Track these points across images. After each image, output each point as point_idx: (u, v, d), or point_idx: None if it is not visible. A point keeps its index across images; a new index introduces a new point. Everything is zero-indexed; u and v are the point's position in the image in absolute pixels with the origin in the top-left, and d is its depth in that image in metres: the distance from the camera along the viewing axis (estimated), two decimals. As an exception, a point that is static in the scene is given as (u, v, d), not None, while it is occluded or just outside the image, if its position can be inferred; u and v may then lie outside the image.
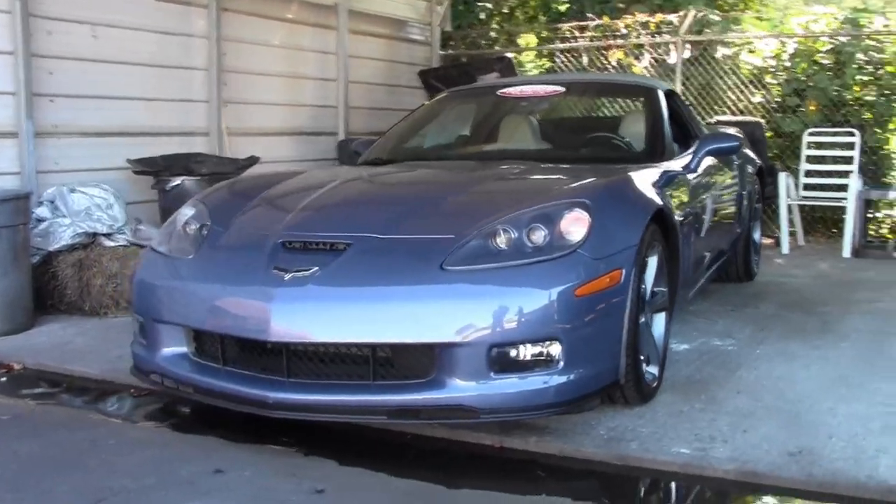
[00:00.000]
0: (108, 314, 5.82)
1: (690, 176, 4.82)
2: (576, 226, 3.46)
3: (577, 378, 3.34)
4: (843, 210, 8.16)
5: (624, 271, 3.51)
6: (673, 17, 10.22)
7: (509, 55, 9.62)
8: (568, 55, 10.72)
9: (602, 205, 3.60)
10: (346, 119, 9.06)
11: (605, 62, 10.42)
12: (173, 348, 3.76)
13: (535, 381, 3.29)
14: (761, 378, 4.23)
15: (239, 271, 3.61)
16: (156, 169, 6.59)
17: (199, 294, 3.65)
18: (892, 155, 9.89)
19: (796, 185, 8.71)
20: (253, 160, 7.05)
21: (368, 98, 9.54)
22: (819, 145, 9.02)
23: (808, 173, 8.85)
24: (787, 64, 10.33)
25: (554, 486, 3.22)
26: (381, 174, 4.75)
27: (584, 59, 10.56)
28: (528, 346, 3.28)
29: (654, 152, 4.82)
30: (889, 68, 10.01)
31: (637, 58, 10.26)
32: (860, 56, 10.01)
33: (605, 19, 10.50)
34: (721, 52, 10.19)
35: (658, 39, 10.11)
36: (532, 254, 3.38)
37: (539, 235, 3.44)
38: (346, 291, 3.37)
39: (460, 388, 3.26)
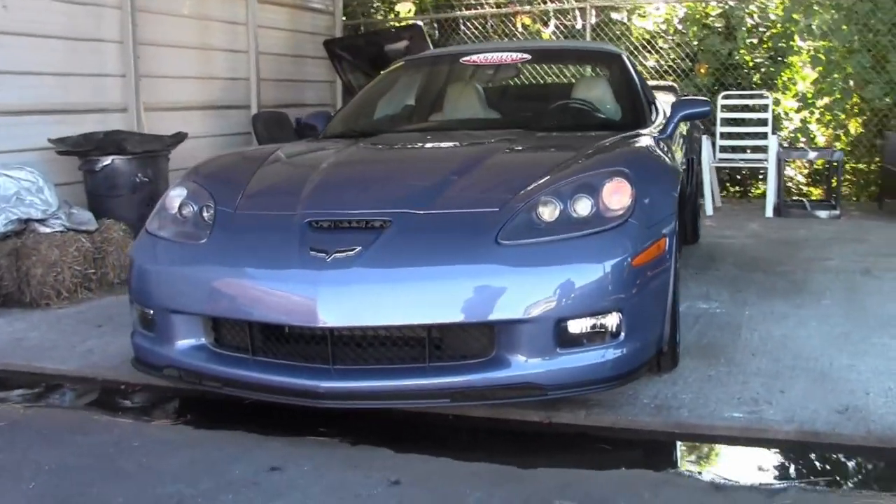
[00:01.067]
0: (51, 305, 5.40)
1: (669, 142, 4.84)
2: (619, 195, 3.39)
3: (635, 349, 3.30)
4: (758, 171, 8.42)
5: (668, 239, 3.49)
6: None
7: (420, 23, 9.43)
8: (474, 23, 10.61)
9: (640, 173, 3.55)
10: (258, 92, 8.69)
11: (512, 28, 10.39)
12: (190, 340, 3.52)
13: (597, 355, 3.23)
14: (766, 339, 4.31)
15: (269, 255, 3.38)
16: (84, 149, 6.13)
17: (223, 281, 3.40)
18: (783, 115, 10.30)
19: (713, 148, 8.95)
20: (180, 136, 6.68)
21: (276, 70, 9.20)
22: (732, 108, 9.28)
23: (724, 136, 9.09)
24: (679, 27, 10.61)
25: (625, 459, 3.17)
26: (378, 147, 4.56)
27: (489, 26, 10.51)
28: (592, 318, 3.21)
29: (637, 119, 4.80)
30: (774, 30, 10.42)
31: (545, 23, 10.28)
32: (748, 20, 10.39)
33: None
34: (614, 16, 10.33)
35: (566, 5, 10.14)
36: (583, 225, 3.30)
37: (584, 205, 3.35)
38: (397, 272, 3.20)
39: (526, 366, 3.16)
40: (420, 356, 3.23)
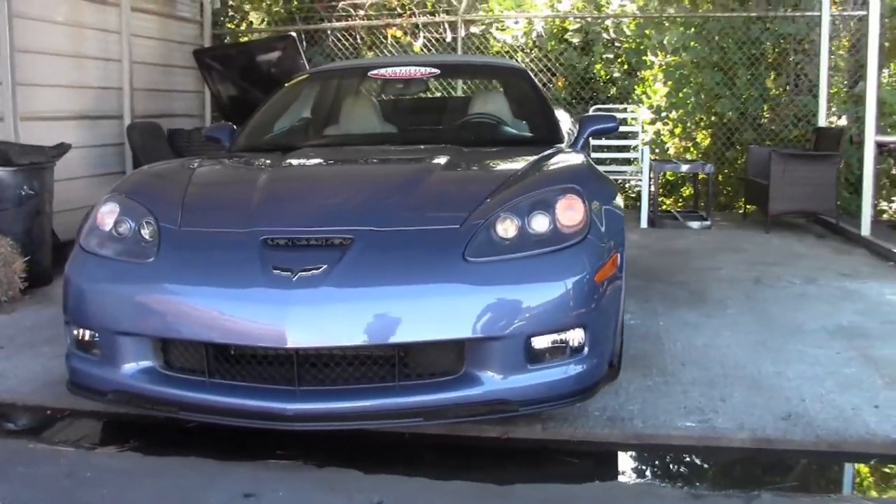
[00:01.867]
0: (-63, 327, 5.02)
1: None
2: (571, 211, 3.45)
3: (596, 363, 3.38)
4: (624, 183, 8.74)
5: (619, 254, 3.59)
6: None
7: (293, 34, 9.27)
8: (343, 34, 10.55)
9: (588, 189, 3.63)
10: (131, 102, 8.33)
11: (383, 41, 10.40)
12: (138, 362, 3.35)
13: (564, 370, 3.28)
14: (689, 348, 4.49)
15: (228, 274, 3.26)
16: (-35, 159, 5.72)
17: (177, 301, 3.26)
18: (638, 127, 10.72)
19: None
20: (64, 147, 6.30)
21: (147, 79, 8.82)
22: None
23: (594, 149, 9.39)
24: (536, 42, 10.92)
25: (594, 471, 3.25)
26: (313, 163, 4.47)
27: (359, 39, 10.47)
28: (560, 334, 3.27)
29: (552, 135, 4.91)
30: (626, 45, 10.89)
31: (414, 36, 10.34)
32: (605, 35, 10.81)
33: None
34: (472, 30, 10.50)
35: (438, 19, 10.23)
36: (543, 241, 3.34)
37: (541, 222, 3.40)
38: (367, 291, 3.16)
39: (497, 383, 3.18)
40: (389, 375, 3.20)
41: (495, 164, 4.26)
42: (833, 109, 9.77)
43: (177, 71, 9.54)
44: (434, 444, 3.45)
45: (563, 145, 4.72)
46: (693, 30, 10.49)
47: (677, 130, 10.81)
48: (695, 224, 8.56)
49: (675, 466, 3.36)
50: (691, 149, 10.84)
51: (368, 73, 5.46)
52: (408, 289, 3.16)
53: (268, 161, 4.29)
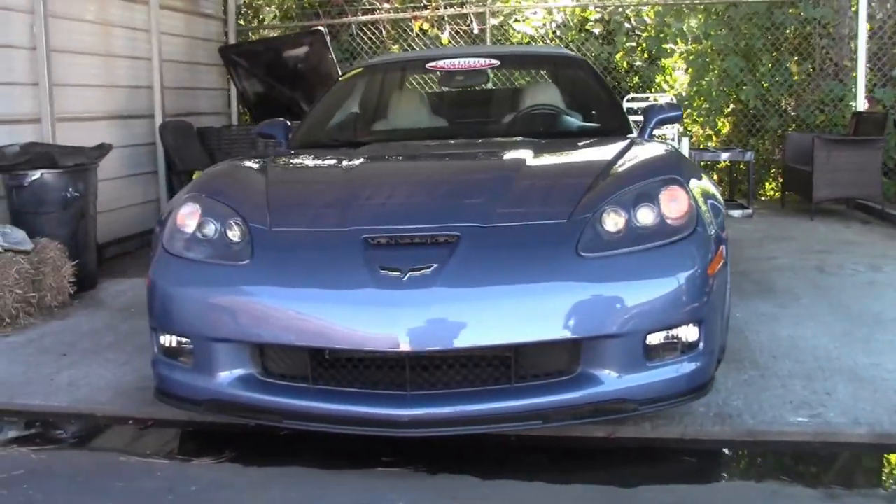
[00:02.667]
0: (-11, 333, 4.89)
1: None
2: (676, 202, 3.34)
3: (709, 360, 3.27)
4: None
5: (724, 245, 3.47)
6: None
7: (321, 28, 9.12)
8: (365, 28, 10.39)
9: (688, 179, 3.52)
10: (162, 100, 8.17)
11: (409, 33, 10.24)
12: (236, 370, 3.22)
13: (682, 366, 3.17)
14: (774, 340, 4.38)
15: (332, 275, 3.13)
16: (10, 163, 5.57)
17: (280, 305, 3.12)
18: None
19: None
20: (105, 148, 6.17)
21: (175, 77, 8.64)
22: (634, 112, 9.47)
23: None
24: (557, 32, 10.79)
25: (713, 470, 3.16)
26: (396, 158, 4.35)
27: (384, 32, 10.32)
28: (677, 330, 3.16)
29: (622, 125, 4.78)
30: (647, 33, 10.78)
31: (440, 28, 10.20)
32: (626, 24, 10.70)
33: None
34: (492, 21, 10.35)
35: (467, 10, 10.08)
36: (652, 234, 3.22)
37: (646, 214, 3.28)
38: (480, 291, 3.03)
39: (618, 382, 3.07)
40: (503, 377, 3.08)
41: (580, 155, 4.15)
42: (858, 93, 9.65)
43: (202, 68, 9.37)
44: (540, 446, 3.33)
45: (635, 135, 4.60)
46: (714, 17, 10.38)
47: (700, 120, 10.70)
48: (736, 212, 8.41)
49: (797, 463, 3.24)
50: (713, 136, 10.74)
51: (427, 66, 5.33)
52: (523, 287, 3.04)
53: (343, 157, 4.15)
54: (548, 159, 3.98)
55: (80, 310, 5.44)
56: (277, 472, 3.14)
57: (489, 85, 7.73)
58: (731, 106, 10.54)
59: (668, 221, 3.27)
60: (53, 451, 3.40)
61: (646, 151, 3.95)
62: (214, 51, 9.30)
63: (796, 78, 10.17)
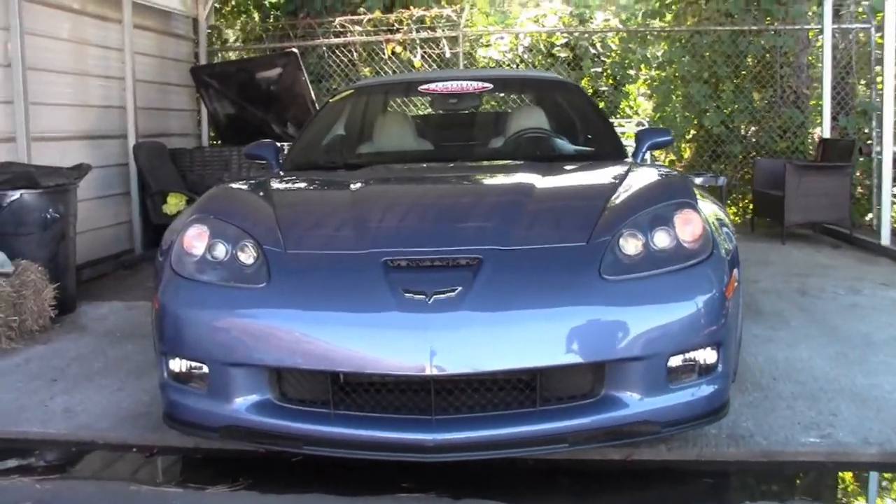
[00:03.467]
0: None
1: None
2: (690, 226, 3.36)
3: (727, 380, 3.29)
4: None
5: (737, 269, 3.50)
6: (448, 12, 10.28)
7: (295, 51, 9.06)
8: (341, 50, 10.36)
9: (698, 203, 3.55)
10: (136, 121, 8.06)
11: (381, 56, 10.24)
12: (253, 395, 3.15)
13: (702, 388, 3.18)
14: (772, 362, 4.43)
15: (355, 298, 3.08)
16: (-11, 182, 5.44)
17: (301, 329, 3.06)
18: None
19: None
20: (84, 168, 6.05)
21: (147, 98, 8.55)
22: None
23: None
24: (525, 56, 10.90)
25: (738, 492, 3.18)
26: (400, 180, 4.34)
27: (355, 54, 10.30)
28: (697, 352, 3.17)
29: (617, 149, 4.82)
30: (612, 59, 10.95)
31: (412, 51, 10.21)
32: (591, 50, 10.84)
33: (377, 14, 10.28)
34: (456, 48, 10.39)
35: (438, 34, 10.12)
36: (670, 257, 3.24)
37: (662, 237, 3.29)
38: (506, 315, 3.01)
39: (642, 404, 3.07)
40: (527, 400, 3.07)
41: (585, 178, 4.17)
42: (819, 121, 9.87)
43: (172, 89, 9.29)
44: (557, 469, 3.31)
45: (630, 159, 4.63)
46: (679, 44, 10.56)
47: (664, 144, 10.83)
48: (708, 237, 8.49)
49: (819, 484, 3.28)
50: (675, 162, 10.89)
51: (418, 88, 5.32)
52: (549, 312, 3.02)
53: (345, 179, 4.13)
54: (555, 182, 3.99)
55: (62, 334, 5.31)
56: (296, 500, 3.09)
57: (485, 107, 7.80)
58: (693, 132, 10.72)
59: (685, 244, 3.29)
60: (58, 480, 3.29)
61: (651, 175, 3.98)
62: (185, 71, 9.22)
63: (758, 105, 10.37)
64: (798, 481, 3.29)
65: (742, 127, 10.38)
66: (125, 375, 4.43)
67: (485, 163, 4.68)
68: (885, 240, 7.42)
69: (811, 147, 9.86)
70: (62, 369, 4.55)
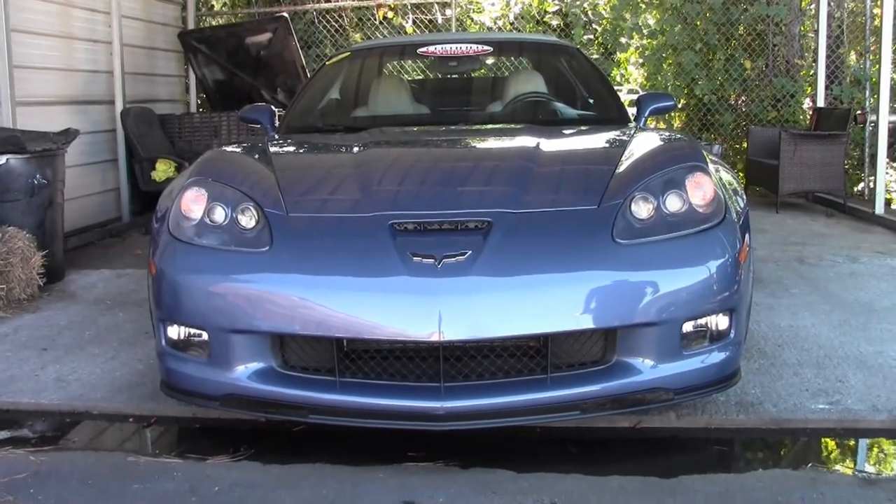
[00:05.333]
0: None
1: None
2: (702, 190, 3.29)
3: (738, 349, 3.24)
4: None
5: (748, 234, 3.43)
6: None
7: (285, 15, 8.88)
8: (330, 14, 10.18)
9: (709, 167, 3.48)
10: (123, 86, 7.88)
11: (373, 21, 10.08)
12: (255, 363, 3.07)
13: (715, 355, 3.13)
14: (776, 330, 4.38)
15: (361, 262, 2.99)
16: (-27, 148, 5.29)
17: (306, 294, 2.97)
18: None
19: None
20: (72, 133, 5.90)
21: (134, 63, 8.36)
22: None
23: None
24: (515, 24, 10.77)
25: (751, 459, 3.14)
26: (403, 142, 4.24)
27: (345, 20, 10.13)
28: (710, 318, 3.12)
29: (620, 114, 4.74)
30: (604, 26, 10.83)
31: (404, 17, 10.06)
32: (583, 17, 10.72)
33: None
34: (448, 12, 10.25)
35: (430, -1, 9.97)
36: (682, 221, 3.16)
37: (674, 201, 3.22)
38: (517, 279, 2.93)
39: (655, 371, 3.02)
40: (538, 367, 3.00)
41: (592, 142, 4.10)
42: (811, 91, 9.82)
43: (159, 54, 9.10)
44: (565, 438, 3.26)
45: (633, 123, 4.55)
46: (670, 12, 10.45)
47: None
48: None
49: (825, 449, 3.23)
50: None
51: (418, 51, 5.20)
52: (561, 276, 2.95)
53: (345, 142, 4.03)
54: (561, 145, 3.92)
55: (51, 303, 5.19)
56: (302, 470, 3.00)
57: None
58: (684, 101, 10.63)
59: (697, 208, 3.22)
60: (54, 452, 3.20)
61: (659, 139, 3.91)
62: (172, 36, 9.05)
63: (749, 74, 10.28)
64: (810, 448, 3.23)
65: (733, 96, 10.31)
66: (118, 344, 4.33)
67: (488, 126, 4.58)
68: (880, 209, 7.39)
69: (801, 117, 9.80)
70: (52, 338, 4.45)
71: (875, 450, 3.24)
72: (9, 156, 5.33)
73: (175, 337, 3.22)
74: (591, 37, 10.95)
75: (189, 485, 2.89)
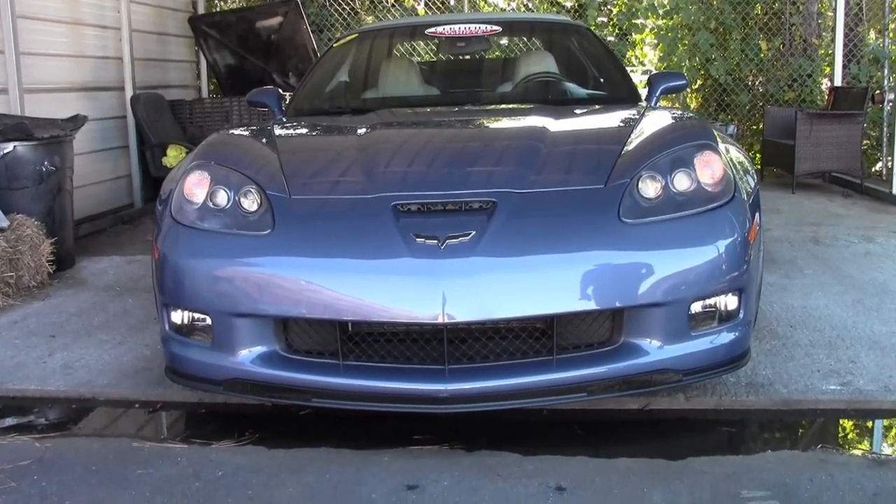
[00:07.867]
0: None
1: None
2: (711, 168, 3.23)
3: (747, 329, 3.19)
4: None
5: (758, 213, 3.38)
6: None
7: (297, -2, 8.86)
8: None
9: (719, 146, 3.42)
10: (133, 72, 7.87)
11: (384, 4, 10.02)
12: (259, 347, 3.05)
13: (722, 336, 3.09)
14: (789, 310, 4.33)
15: (364, 244, 2.95)
16: (-18, 135, 5.29)
17: (309, 276, 2.94)
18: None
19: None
20: (80, 120, 5.89)
21: (144, 48, 8.35)
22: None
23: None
24: (529, 5, 10.69)
25: (762, 440, 3.11)
26: (409, 123, 4.21)
27: (357, 2, 10.07)
28: (719, 298, 3.07)
29: (630, 93, 4.68)
30: (618, 7, 10.73)
31: (416, -1, 10.03)
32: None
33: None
34: None
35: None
36: (690, 200, 3.11)
37: (682, 180, 3.17)
38: (522, 260, 2.89)
39: (662, 352, 2.98)
40: (543, 349, 2.97)
41: (602, 121, 4.06)
42: (828, 71, 9.69)
43: (170, 39, 9.08)
44: (571, 420, 3.22)
45: (644, 103, 4.49)
46: (685, -7, 10.33)
47: (670, 94, 10.66)
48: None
49: (836, 430, 3.19)
50: (682, 112, 10.71)
51: (426, 32, 5.15)
52: (567, 256, 2.90)
53: (351, 124, 4.00)
54: (569, 125, 3.87)
55: (61, 289, 5.20)
56: (306, 455, 2.98)
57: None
58: (699, 82, 10.53)
59: (706, 187, 3.17)
60: (59, 438, 3.19)
61: (669, 118, 3.85)
62: (183, 21, 9.03)
63: (765, 54, 10.17)
64: (821, 429, 3.19)
65: (749, 77, 10.20)
66: (126, 330, 4.32)
67: (496, 107, 4.54)
68: (897, 188, 7.30)
69: (818, 97, 9.69)
70: (61, 325, 4.45)
71: (886, 431, 3.20)
72: (16, 143, 5.33)
73: (178, 321, 3.21)
74: (605, 19, 10.85)
75: (193, 469, 2.88)
